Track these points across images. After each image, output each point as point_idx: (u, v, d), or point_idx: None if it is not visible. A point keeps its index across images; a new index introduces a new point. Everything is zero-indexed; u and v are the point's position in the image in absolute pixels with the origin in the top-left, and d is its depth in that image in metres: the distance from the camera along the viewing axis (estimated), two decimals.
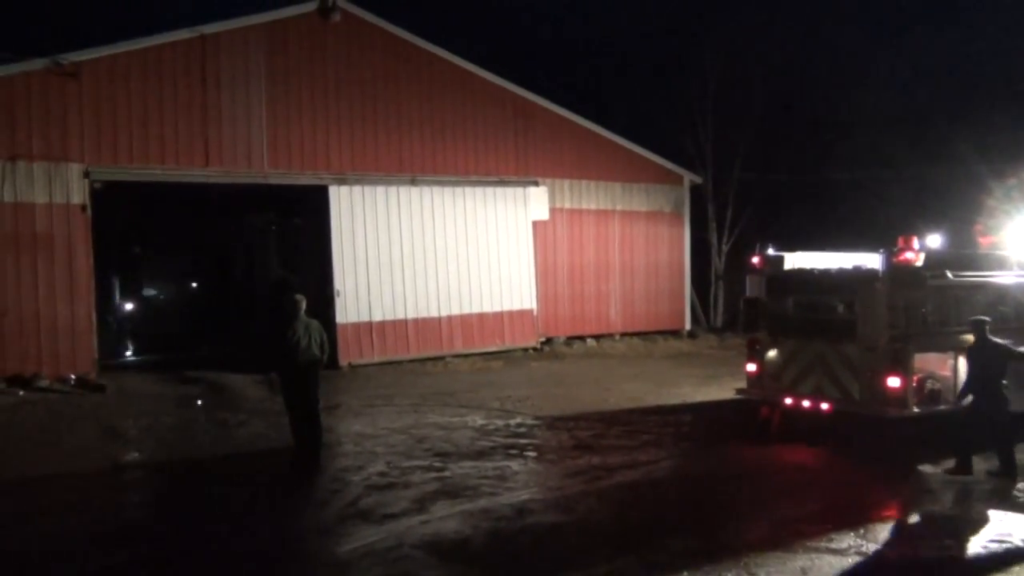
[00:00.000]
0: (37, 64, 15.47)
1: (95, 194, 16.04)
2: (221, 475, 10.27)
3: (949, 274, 10.44)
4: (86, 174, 15.88)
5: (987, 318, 9.63)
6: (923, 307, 10.13)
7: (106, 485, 9.87)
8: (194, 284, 26.61)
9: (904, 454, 9.94)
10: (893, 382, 9.90)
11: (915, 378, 10.05)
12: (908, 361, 9.90)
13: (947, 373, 10.36)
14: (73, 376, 15.53)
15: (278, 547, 7.57)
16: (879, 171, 26.29)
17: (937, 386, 10.29)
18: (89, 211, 15.92)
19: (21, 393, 14.69)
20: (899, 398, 9.88)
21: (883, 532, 7.64)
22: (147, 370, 17.39)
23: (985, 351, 9.42)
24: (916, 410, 10.01)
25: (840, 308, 10.64)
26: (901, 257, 10.01)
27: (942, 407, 10.23)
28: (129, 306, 22.60)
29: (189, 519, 8.51)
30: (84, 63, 15.82)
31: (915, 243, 10.13)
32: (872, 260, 10.38)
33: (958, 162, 22.09)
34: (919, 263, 10.05)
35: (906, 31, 30.99)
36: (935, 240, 11.06)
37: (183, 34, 16.79)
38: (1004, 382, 9.33)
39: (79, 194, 15.84)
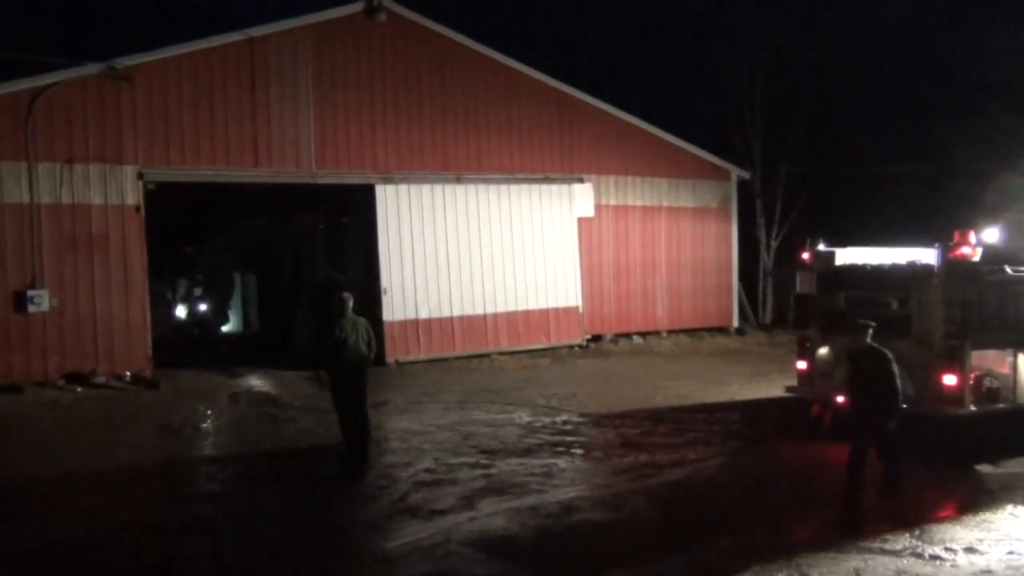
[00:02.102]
0: (92, 69, 15.83)
1: (148, 195, 16.40)
2: (272, 470, 10.43)
3: (1008, 269, 10.15)
4: (140, 175, 16.22)
5: (871, 322, 8.67)
6: (980, 303, 9.86)
7: (161, 479, 10.10)
8: (243, 283, 26.97)
9: (961, 454, 9.70)
10: (949, 380, 9.67)
11: (972, 376, 9.80)
12: (965, 358, 9.66)
13: (1006, 371, 10.09)
14: (128, 373, 15.89)
15: (328, 542, 7.67)
16: (934, 164, 25.69)
17: (995, 384, 10.03)
18: (143, 211, 16.28)
19: (79, 390, 15.07)
20: (955, 396, 9.65)
21: (939, 533, 7.47)
22: (200, 367, 17.71)
23: (864, 359, 8.44)
24: (973, 408, 9.77)
25: (894, 304, 10.42)
26: (957, 252, 9.77)
27: (1001, 405, 9.97)
28: (183, 305, 22.93)
29: (241, 513, 8.65)
30: (137, 67, 16.16)
31: (972, 237, 9.88)
32: (927, 255, 10.15)
33: (1018, 154, 21.48)
34: (976, 258, 9.80)
35: (962, 19, 30.22)
36: (993, 234, 10.76)
37: (232, 37, 17.05)
38: (883, 396, 8.34)
39: (133, 195, 16.18)
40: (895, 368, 8.30)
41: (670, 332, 21.93)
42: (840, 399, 10.64)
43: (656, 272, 21.97)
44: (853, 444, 8.29)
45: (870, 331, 8.49)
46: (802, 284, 11.51)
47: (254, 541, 7.77)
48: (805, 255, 11.40)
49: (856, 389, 8.51)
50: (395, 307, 18.41)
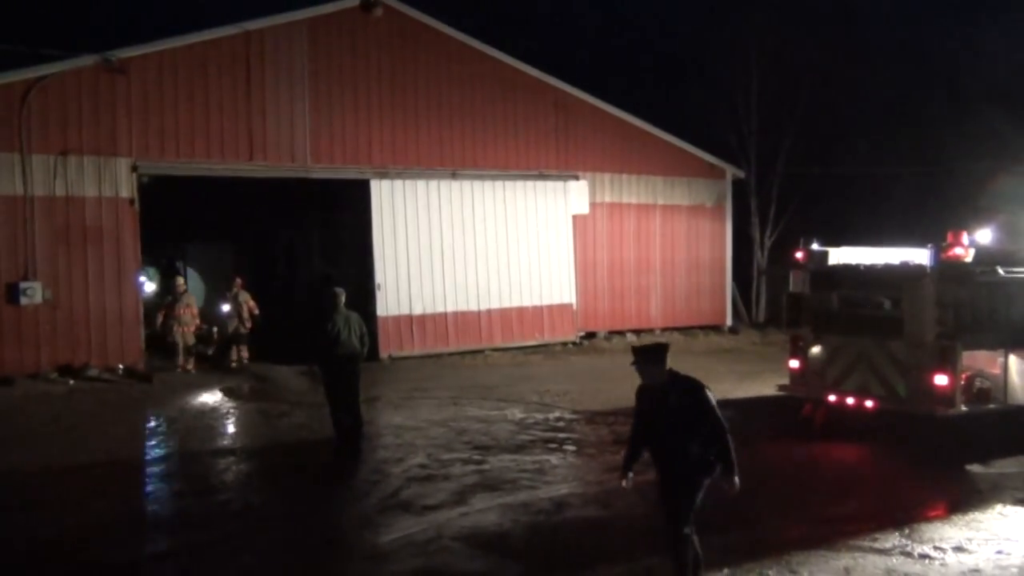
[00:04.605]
0: (87, 61, 15.78)
1: (142, 188, 16.35)
2: (264, 465, 10.42)
3: (1000, 270, 10.20)
4: (134, 168, 16.18)
5: (666, 342, 6.67)
6: (972, 304, 9.90)
7: (152, 473, 10.09)
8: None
9: (951, 453, 9.74)
10: (940, 380, 9.71)
11: (963, 376, 9.86)
12: (956, 359, 9.70)
13: (997, 371, 10.15)
14: (121, 366, 15.85)
15: (320, 536, 7.67)
16: (928, 165, 25.76)
17: (986, 384, 10.09)
18: (137, 204, 16.23)
19: (71, 383, 15.03)
20: (947, 396, 9.69)
21: (928, 532, 7.50)
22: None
23: (669, 396, 6.01)
24: (964, 409, 9.82)
25: (886, 304, 10.46)
26: (950, 253, 9.83)
27: (992, 406, 10.03)
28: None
29: (233, 507, 8.64)
30: (132, 60, 16.10)
31: (964, 238, 9.94)
32: (920, 256, 10.19)
33: (1011, 155, 21.57)
34: (968, 259, 9.85)
35: (957, 19, 30.30)
36: (985, 235, 10.81)
37: (228, 31, 17.00)
38: (696, 447, 5.94)
39: (127, 188, 16.14)
40: (713, 401, 6.01)
41: (664, 330, 21.96)
42: (832, 398, 10.73)
43: (650, 270, 21.99)
44: (667, 518, 6.05)
45: (666, 357, 6.11)
46: (795, 283, 11.55)
47: (245, 535, 7.77)
48: (799, 254, 11.42)
49: (663, 439, 6.04)
50: (389, 302, 18.40)
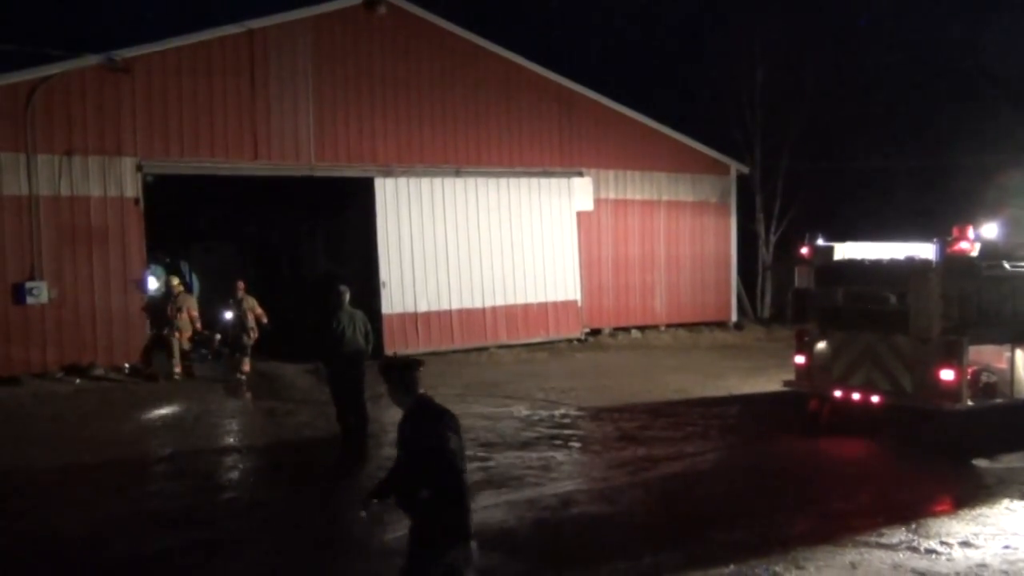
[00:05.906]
0: (91, 61, 15.80)
1: (147, 187, 16.38)
2: (270, 463, 10.45)
3: (1006, 264, 10.17)
4: (139, 167, 16.20)
5: (418, 360, 5.14)
6: (978, 298, 9.87)
7: (159, 471, 10.11)
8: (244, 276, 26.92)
9: (958, 448, 9.72)
10: (947, 375, 9.69)
11: (970, 371, 9.82)
12: (962, 353, 9.68)
13: (1004, 366, 10.12)
14: (127, 365, 15.88)
15: (326, 534, 7.68)
16: (933, 159, 25.68)
17: (993, 379, 10.06)
18: (142, 204, 16.26)
19: (77, 382, 15.07)
20: (953, 391, 9.67)
21: (935, 527, 7.49)
22: (198, 360, 17.69)
23: (405, 425, 4.91)
24: (971, 403, 9.79)
25: (892, 299, 10.43)
26: (955, 247, 9.79)
27: (998, 400, 10.00)
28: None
29: (239, 505, 8.67)
30: (136, 59, 16.12)
31: (970, 233, 9.90)
32: (926, 250, 10.17)
33: (1017, 148, 21.49)
34: (974, 253, 9.81)
35: (961, 12, 30.16)
36: (991, 230, 10.76)
37: (231, 29, 17.01)
38: (427, 495, 4.57)
39: (132, 187, 16.16)
40: (455, 441, 4.65)
41: (668, 326, 21.94)
42: (838, 393, 10.72)
43: (655, 266, 21.97)
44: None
45: (413, 378, 4.97)
46: (801, 279, 11.53)
47: (252, 533, 7.79)
48: (804, 250, 11.40)
49: (402, 477, 4.86)
50: (394, 300, 18.41)
